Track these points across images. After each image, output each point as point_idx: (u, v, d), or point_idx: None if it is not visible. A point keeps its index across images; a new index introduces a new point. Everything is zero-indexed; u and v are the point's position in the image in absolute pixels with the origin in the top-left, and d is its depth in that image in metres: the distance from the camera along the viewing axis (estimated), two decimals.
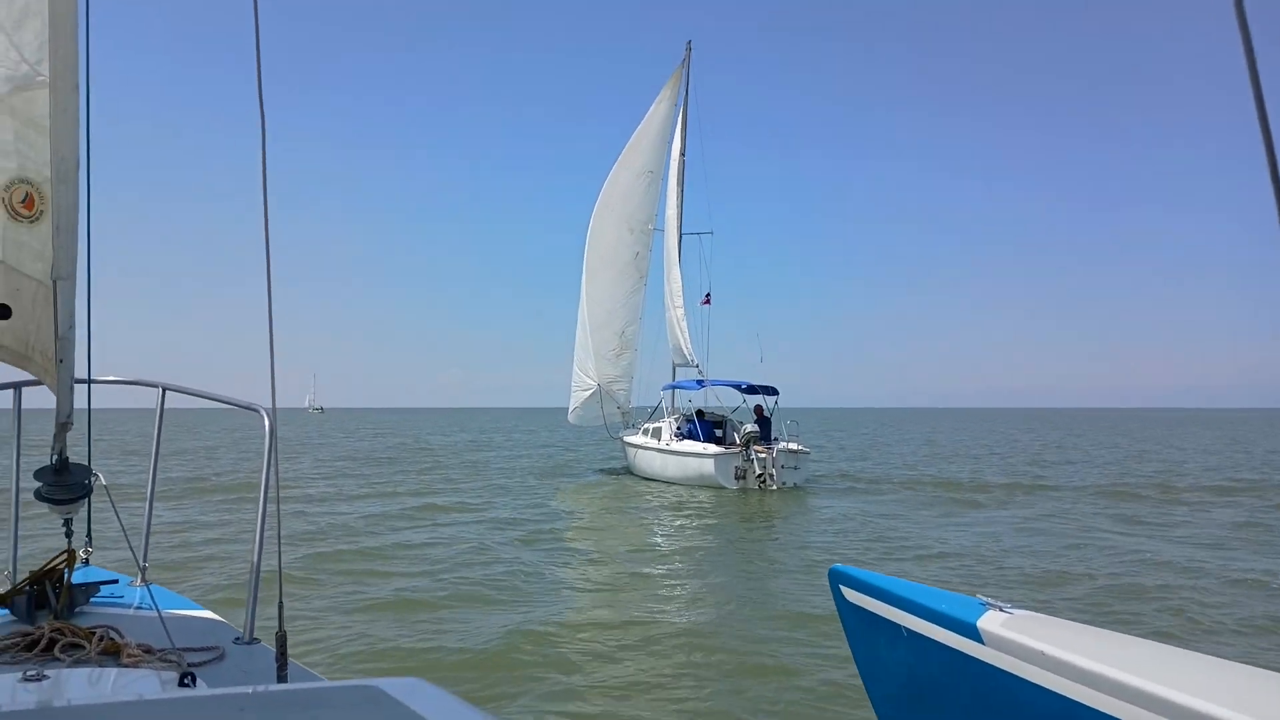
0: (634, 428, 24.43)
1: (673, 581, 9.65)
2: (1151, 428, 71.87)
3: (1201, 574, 9.67)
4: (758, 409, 20.73)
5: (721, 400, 21.76)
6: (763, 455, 18.97)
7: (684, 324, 22.34)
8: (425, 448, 39.35)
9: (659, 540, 12.72)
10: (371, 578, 9.63)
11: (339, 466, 25.97)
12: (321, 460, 28.95)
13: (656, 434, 21.76)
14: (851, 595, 3.26)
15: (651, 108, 24.50)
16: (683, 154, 23.35)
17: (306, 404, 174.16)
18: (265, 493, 2.42)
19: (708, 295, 23.66)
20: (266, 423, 2.50)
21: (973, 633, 2.66)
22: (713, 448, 19.60)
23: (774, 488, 18.68)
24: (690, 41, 23.94)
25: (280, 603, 2.16)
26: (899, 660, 3.08)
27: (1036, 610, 2.76)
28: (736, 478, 19.05)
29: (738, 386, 21.35)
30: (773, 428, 20.22)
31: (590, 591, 9.31)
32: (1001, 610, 2.69)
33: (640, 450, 22.01)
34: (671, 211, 23.08)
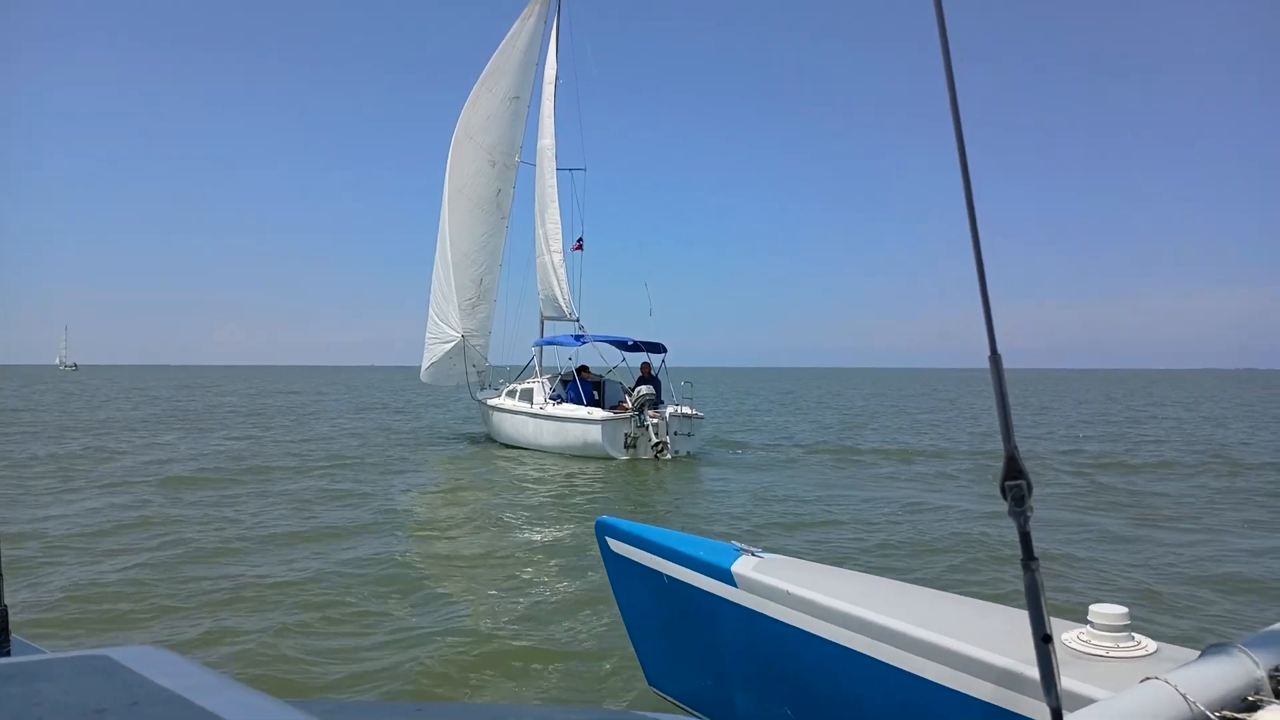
0: (493, 389, 21.68)
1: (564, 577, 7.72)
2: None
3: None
4: (644, 367, 18.54)
5: (605, 359, 19.41)
6: (655, 421, 16.88)
7: (562, 271, 19.66)
8: (224, 409, 34.79)
9: (543, 526, 10.52)
10: (134, 552, 8.41)
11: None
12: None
13: (526, 396, 19.15)
14: (616, 546, 3.34)
15: (516, 24, 21.38)
16: (558, 78, 20.45)
17: (57, 361, 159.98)
18: None
19: (580, 240, 21.14)
20: None
21: (727, 577, 2.81)
22: (598, 412, 17.27)
23: (668, 457, 16.68)
24: None
25: None
26: (660, 606, 3.19)
27: (786, 554, 2.92)
28: (626, 446, 16.87)
29: (622, 343, 19.02)
30: (662, 389, 18.09)
31: (450, 575, 7.81)
32: (753, 555, 2.86)
33: (509, 415, 19.33)
34: (547, 142, 20.16)
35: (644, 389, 17.07)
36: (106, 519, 10.12)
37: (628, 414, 17.03)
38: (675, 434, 17.10)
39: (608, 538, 3.41)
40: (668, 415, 17.09)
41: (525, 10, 21.29)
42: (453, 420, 28.52)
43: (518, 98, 21.62)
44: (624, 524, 3.36)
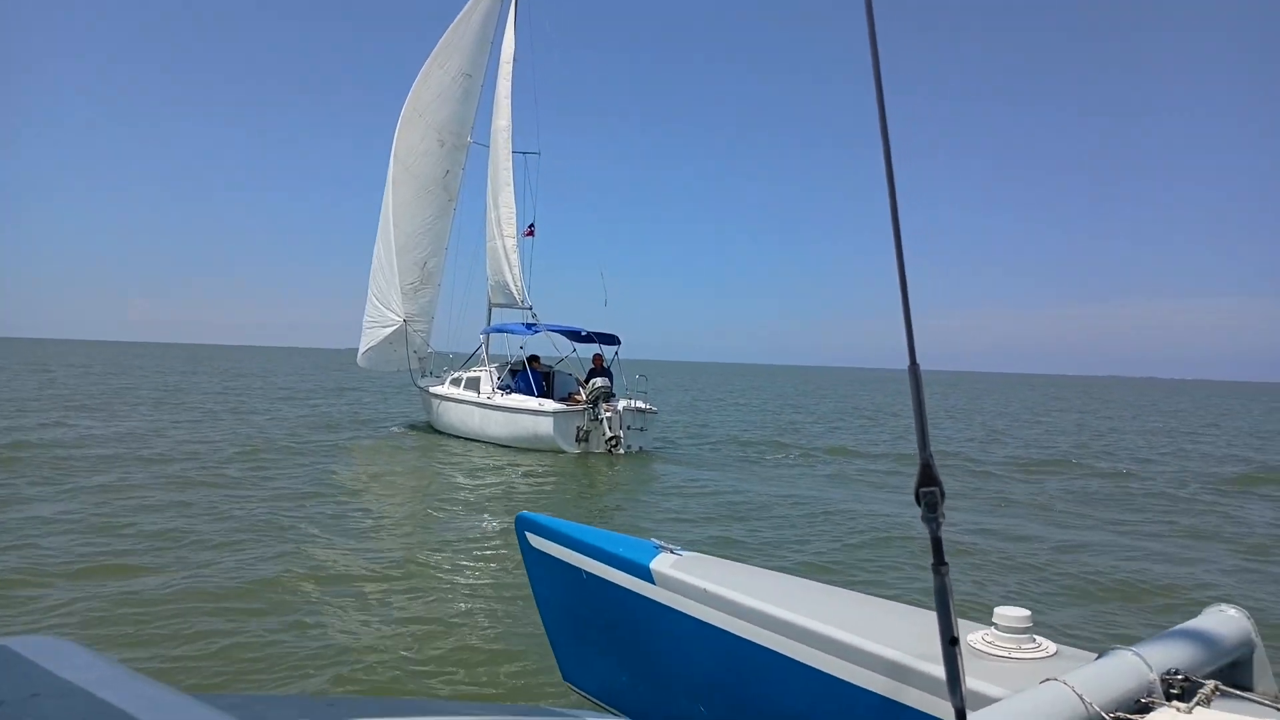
0: (435, 376, 20.92)
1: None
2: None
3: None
4: (596, 359, 18.07)
5: (556, 349, 18.83)
6: (610, 415, 16.43)
7: (515, 256, 18.97)
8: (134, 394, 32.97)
9: (482, 521, 10.05)
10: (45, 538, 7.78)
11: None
12: None
13: (473, 384, 18.47)
14: (535, 541, 3.32)
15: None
16: (515, 57, 19.73)
17: None
18: None
19: (531, 226, 20.49)
20: None
21: (645, 574, 2.81)
22: (550, 404, 16.75)
23: (621, 451, 16.25)
24: None
25: None
26: (578, 602, 3.19)
27: (704, 552, 2.94)
28: (578, 440, 16.38)
29: (575, 333, 18.48)
30: (614, 382, 17.64)
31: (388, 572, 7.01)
32: (672, 553, 2.86)
33: (454, 404, 18.61)
34: (502, 122, 19.41)
35: (600, 381, 16.60)
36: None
37: (581, 406, 16.54)
38: (628, 428, 16.69)
39: (527, 532, 3.38)
40: (621, 409, 16.67)
41: None
42: (388, 405, 27.52)
43: (470, 75, 20.85)
44: (544, 519, 3.33)
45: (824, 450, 19.07)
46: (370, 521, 9.65)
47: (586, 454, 16.23)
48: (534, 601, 3.51)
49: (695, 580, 2.66)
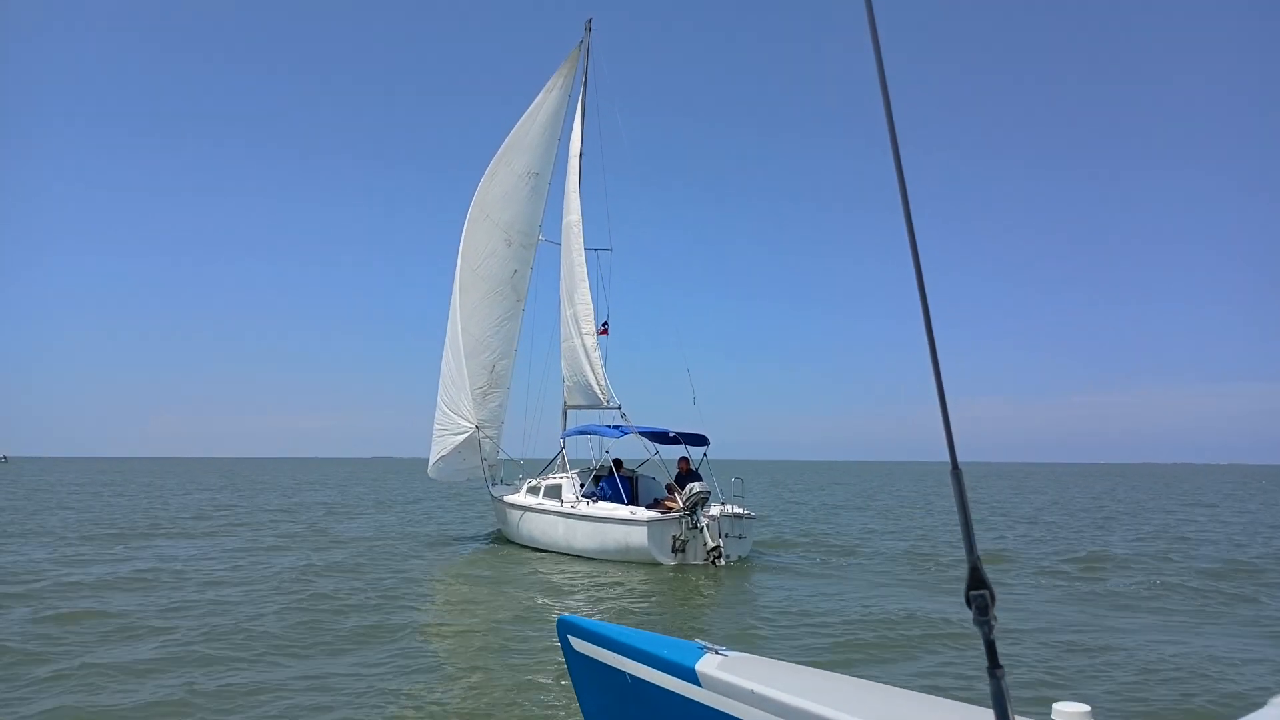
0: (507, 484, 19.78)
1: None
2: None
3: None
4: (682, 462, 16.81)
5: (646, 450, 17.59)
6: (709, 522, 15.09)
7: (596, 355, 18.01)
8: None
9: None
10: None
11: None
12: None
13: (552, 492, 17.27)
14: (579, 645, 3.26)
15: (539, 97, 20.35)
16: (582, 152, 19.23)
17: None
18: None
19: (605, 324, 19.61)
20: None
21: (690, 676, 2.74)
22: (642, 512, 15.44)
23: (723, 563, 14.84)
24: (591, 20, 20.06)
25: None
26: (623, 707, 3.11)
27: (751, 652, 2.86)
28: (674, 550, 15.00)
29: (663, 435, 17.28)
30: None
31: None
32: (718, 653, 2.79)
33: (535, 514, 17.38)
34: (573, 218, 18.75)
35: (697, 486, 15.30)
36: None
37: (678, 514, 15.21)
38: (726, 536, 15.32)
39: (570, 636, 3.31)
40: (718, 515, 15.33)
41: (548, 83, 20.28)
42: (460, 519, 26.34)
43: (537, 174, 20.40)
44: (586, 622, 3.27)
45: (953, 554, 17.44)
46: (448, 647, 8.77)
47: (683, 566, 14.84)
48: (579, 708, 3.41)
49: (742, 682, 2.59)
